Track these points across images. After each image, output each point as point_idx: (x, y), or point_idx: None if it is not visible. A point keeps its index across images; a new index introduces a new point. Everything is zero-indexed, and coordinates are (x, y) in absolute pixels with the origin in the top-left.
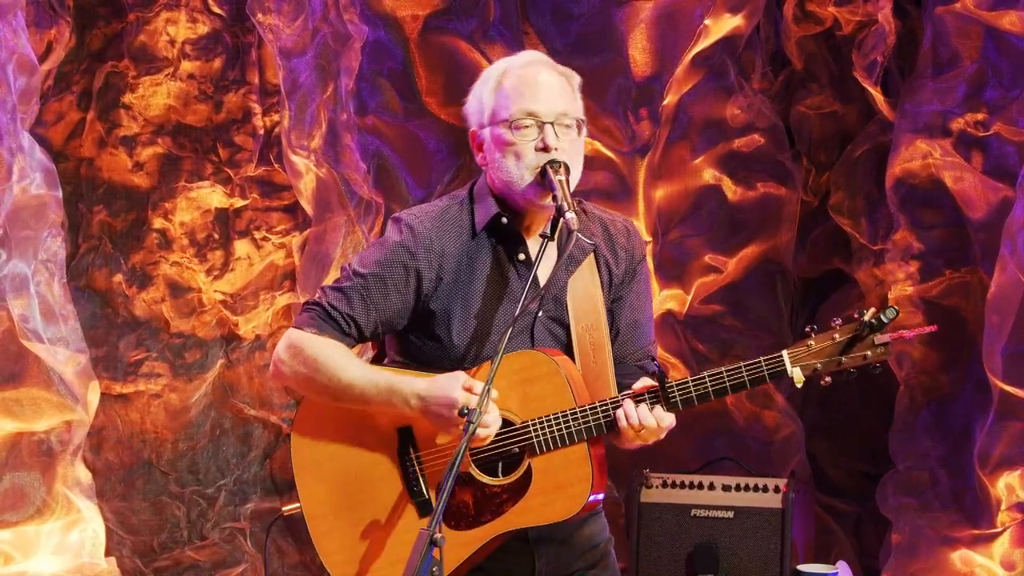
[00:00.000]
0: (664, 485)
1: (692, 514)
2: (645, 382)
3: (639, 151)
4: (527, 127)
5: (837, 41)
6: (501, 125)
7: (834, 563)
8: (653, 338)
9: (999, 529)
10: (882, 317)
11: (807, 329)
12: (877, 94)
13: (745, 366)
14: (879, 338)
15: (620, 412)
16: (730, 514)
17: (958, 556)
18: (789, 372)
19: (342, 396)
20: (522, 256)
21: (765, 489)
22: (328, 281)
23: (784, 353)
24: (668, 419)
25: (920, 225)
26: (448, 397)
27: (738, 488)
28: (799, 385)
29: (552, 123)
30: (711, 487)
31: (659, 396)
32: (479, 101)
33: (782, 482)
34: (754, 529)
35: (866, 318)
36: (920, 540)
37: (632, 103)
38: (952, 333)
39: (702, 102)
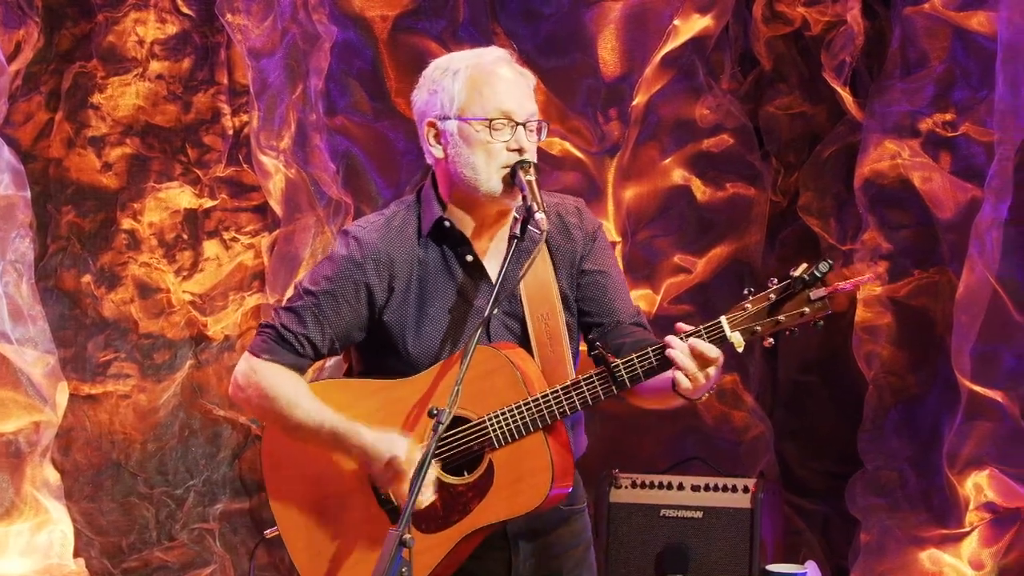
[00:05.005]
0: (633, 485)
1: (661, 514)
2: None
3: (608, 151)
4: (502, 128)
5: (806, 42)
6: (475, 122)
7: (803, 563)
8: (633, 304)
9: (967, 529)
10: (815, 272)
11: (744, 292)
12: (846, 94)
13: (686, 336)
14: (814, 293)
15: (673, 352)
16: (699, 514)
17: (927, 556)
18: (729, 337)
19: (290, 432)
20: (470, 257)
21: (734, 489)
22: (289, 291)
23: (722, 319)
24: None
25: (889, 225)
26: (390, 455)
27: (707, 488)
28: (740, 349)
29: (523, 124)
30: (680, 487)
31: (607, 376)
32: (444, 92)
33: (751, 482)
34: (723, 529)
35: (797, 274)
36: (889, 540)
37: (601, 103)
38: (920, 333)
39: (671, 102)
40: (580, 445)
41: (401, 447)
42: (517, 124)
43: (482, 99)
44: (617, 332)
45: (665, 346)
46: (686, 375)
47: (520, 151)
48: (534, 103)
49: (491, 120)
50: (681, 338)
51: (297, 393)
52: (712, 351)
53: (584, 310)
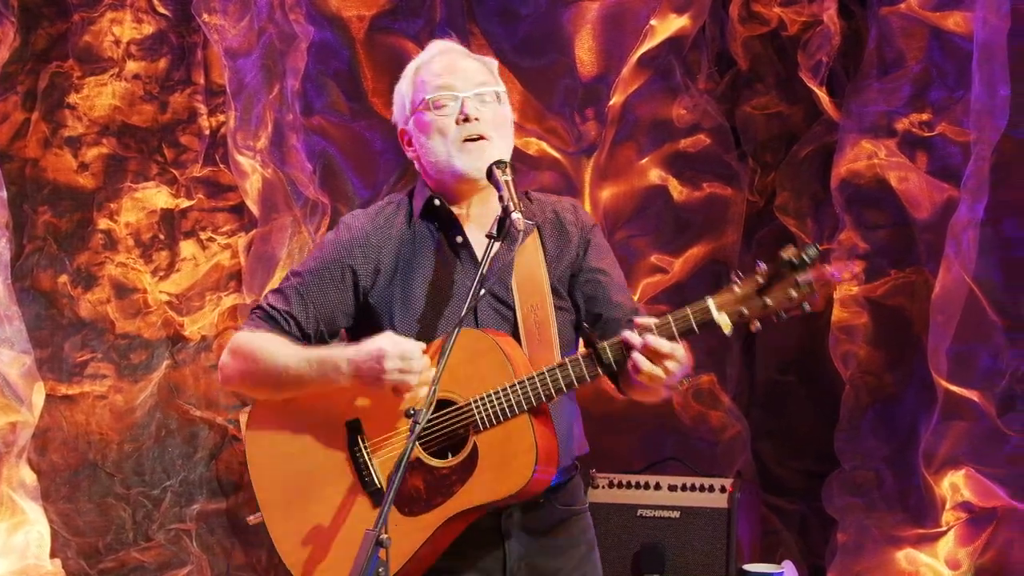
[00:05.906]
0: (610, 485)
1: (638, 514)
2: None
3: (585, 151)
4: (446, 104)
5: (783, 41)
6: (421, 108)
7: (780, 563)
8: (632, 298)
9: (944, 528)
10: (804, 256)
11: (732, 276)
12: (822, 94)
13: (673, 317)
14: (801, 277)
15: (634, 354)
16: (676, 514)
17: (903, 555)
18: (716, 319)
19: (281, 382)
20: (459, 239)
21: (711, 489)
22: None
23: (709, 299)
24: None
25: (865, 225)
26: (376, 347)
27: (684, 488)
28: (727, 332)
29: (470, 96)
30: (657, 487)
31: (591, 358)
32: (400, 98)
33: (728, 482)
34: (700, 529)
35: (785, 256)
36: (865, 539)
37: (578, 103)
38: (897, 333)
39: (648, 102)
40: (578, 442)
41: (387, 341)
42: (461, 96)
43: (424, 84)
44: (615, 330)
45: (623, 342)
46: (640, 369)
47: (467, 120)
48: (487, 76)
49: (432, 100)
50: (638, 334)
51: (281, 343)
52: (664, 346)
53: (584, 308)
